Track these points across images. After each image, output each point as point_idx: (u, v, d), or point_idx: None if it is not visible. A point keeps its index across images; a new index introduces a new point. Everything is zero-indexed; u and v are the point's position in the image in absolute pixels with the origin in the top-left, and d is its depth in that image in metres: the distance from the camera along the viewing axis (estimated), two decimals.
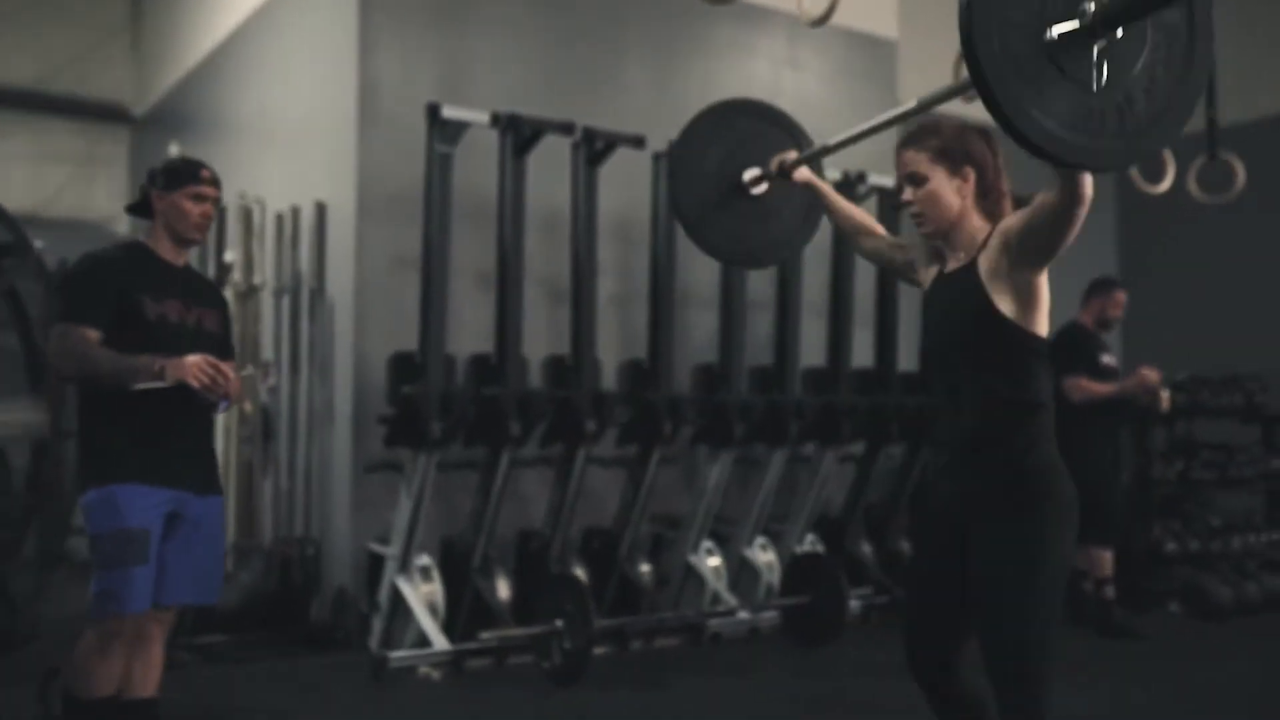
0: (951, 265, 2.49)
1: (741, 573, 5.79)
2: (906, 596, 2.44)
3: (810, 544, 6.00)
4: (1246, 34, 7.82)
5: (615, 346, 5.87)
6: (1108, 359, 5.71)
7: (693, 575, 5.62)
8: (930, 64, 4.99)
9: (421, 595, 4.84)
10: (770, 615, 5.50)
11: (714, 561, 5.68)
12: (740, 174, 3.05)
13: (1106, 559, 5.57)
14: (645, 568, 5.52)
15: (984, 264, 2.37)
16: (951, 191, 2.46)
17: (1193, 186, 5.12)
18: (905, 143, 2.51)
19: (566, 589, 4.66)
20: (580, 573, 5.16)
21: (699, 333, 6.22)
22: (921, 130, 2.50)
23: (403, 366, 4.95)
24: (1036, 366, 2.38)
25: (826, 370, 6.08)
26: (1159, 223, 9.48)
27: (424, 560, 4.94)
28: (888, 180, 5.73)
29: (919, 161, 2.48)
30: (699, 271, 5.88)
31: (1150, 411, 6.12)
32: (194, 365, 2.87)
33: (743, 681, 4.74)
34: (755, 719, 4.20)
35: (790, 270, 5.88)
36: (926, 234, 2.52)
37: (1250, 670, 4.97)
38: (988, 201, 2.46)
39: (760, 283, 6.01)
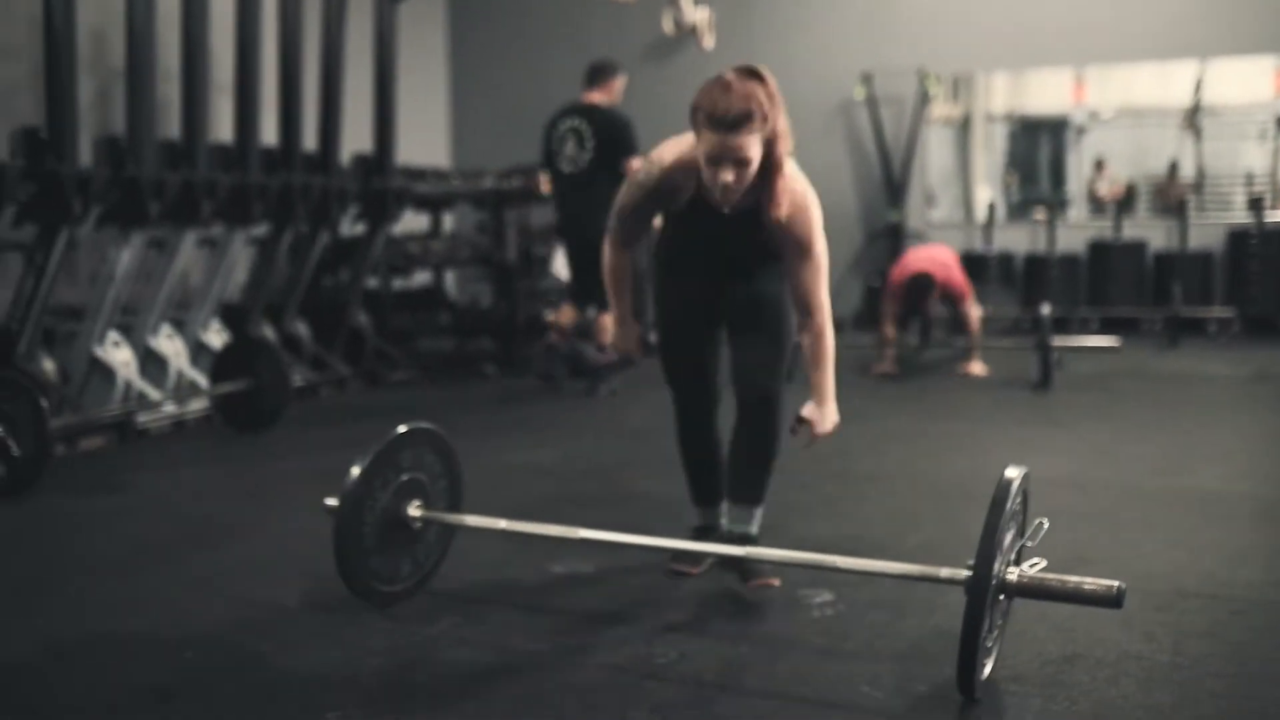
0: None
1: (147, 364, 5.40)
2: None
3: (216, 331, 5.77)
4: None
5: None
6: None
7: (98, 369, 5.14)
8: None
9: None
10: (196, 407, 5.25)
11: (124, 354, 5.22)
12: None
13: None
14: (49, 365, 4.91)
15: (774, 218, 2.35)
16: (759, 156, 2.28)
17: None
18: (734, 125, 2.19)
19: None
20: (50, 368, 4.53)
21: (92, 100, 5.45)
22: (745, 110, 2.19)
23: None
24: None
25: (234, 148, 5.73)
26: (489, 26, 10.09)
27: None
28: None
29: (750, 145, 2.22)
30: (85, 30, 5.11)
31: None
32: None
33: (208, 471, 4.53)
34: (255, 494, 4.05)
35: (195, 41, 5.38)
36: (731, 203, 2.30)
37: None
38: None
39: (164, 51, 5.42)
